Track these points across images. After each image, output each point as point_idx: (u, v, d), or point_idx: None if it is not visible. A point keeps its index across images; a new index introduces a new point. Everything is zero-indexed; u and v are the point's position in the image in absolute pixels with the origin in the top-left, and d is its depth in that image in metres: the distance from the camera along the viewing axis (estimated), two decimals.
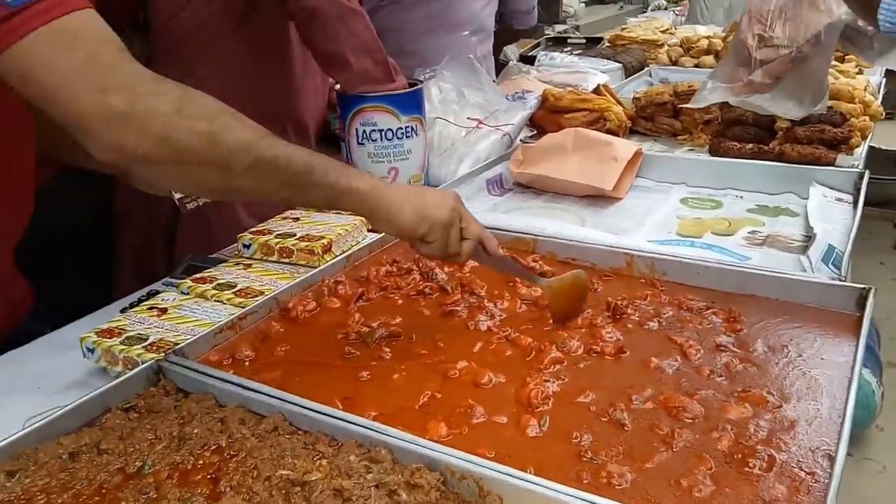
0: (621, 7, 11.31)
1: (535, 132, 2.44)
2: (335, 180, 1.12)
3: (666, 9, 6.99)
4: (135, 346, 1.24)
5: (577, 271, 1.37)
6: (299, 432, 1.01)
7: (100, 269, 2.02)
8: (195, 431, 1.01)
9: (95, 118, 0.96)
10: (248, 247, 1.62)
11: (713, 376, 1.13)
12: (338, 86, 2.00)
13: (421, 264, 1.51)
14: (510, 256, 1.46)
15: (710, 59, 3.28)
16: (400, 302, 1.41)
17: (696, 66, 3.30)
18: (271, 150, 1.06)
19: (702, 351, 1.19)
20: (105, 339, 1.26)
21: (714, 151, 2.21)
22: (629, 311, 1.32)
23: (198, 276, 1.50)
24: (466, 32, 2.38)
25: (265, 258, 1.59)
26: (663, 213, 1.90)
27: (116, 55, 1.00)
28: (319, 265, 1.50)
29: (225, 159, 1.03)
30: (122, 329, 1.29)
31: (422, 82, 2.05)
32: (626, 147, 2.06)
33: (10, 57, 0.97)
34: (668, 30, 3.87)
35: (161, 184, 1.22)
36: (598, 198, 1.99)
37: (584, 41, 4.23)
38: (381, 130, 1.92)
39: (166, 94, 1.00)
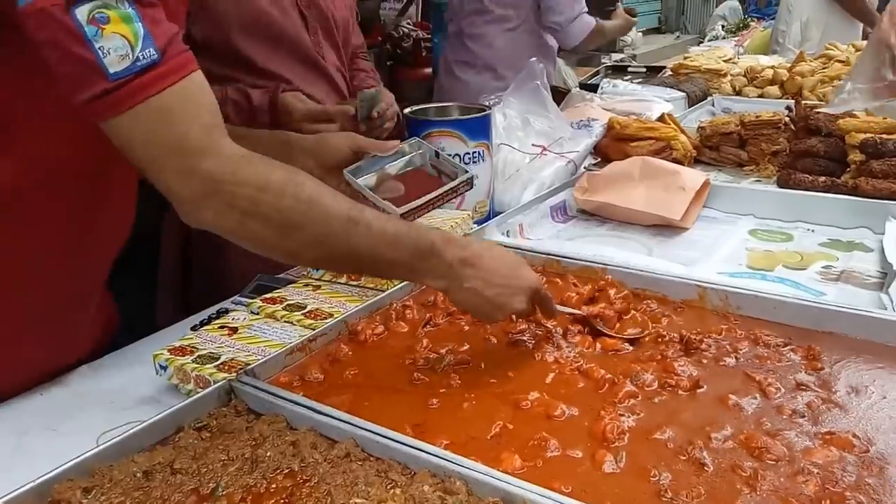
0: (678, 37, 11.29)
1: (599, 160, 2.41)
2: (410, 278, 1.26)
3: (725, 38, 6.92)
4: (206, 365, 1.24)
5: None
6: (371, 459, 1.00)
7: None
8: (268, 454, 1.00)
9: (181, 196, 1.04)
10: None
11: (795, 416, 1.09)
12: (406, 110, 2.01)
13: None
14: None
15: (774, 89, 3.23)
16: (466, 328, 1.39)
17: (761, 96, 3.24)
18: (347, 243, 1.09)
19: (782, 389, 1.15)
20: (177, 357, 1.27)
21: (784, 183, 2.17)
22: (703, 346, 1.29)
23: (267, 296, 1.50)
24: (534, 58, 2.38)
25: (334, 280, 1.58)
26: (732, 244, 1.86)
27: (205, 134, 1.04)
28: (387, 289, 1.49)
29: (292, 252, 1.12)
30: (193, 347, 1.30)
31: (489, 108, 2.04)
32: (694, 177, 2.03)
33: (110, 128, 1.02)
34: (731, 59, 3.83)
35: None
36: (664, 227, 1.96)
37: (643, 70, 4.21)
38: (449, 155, 1.90)
39: (245, 185, 1.04)
